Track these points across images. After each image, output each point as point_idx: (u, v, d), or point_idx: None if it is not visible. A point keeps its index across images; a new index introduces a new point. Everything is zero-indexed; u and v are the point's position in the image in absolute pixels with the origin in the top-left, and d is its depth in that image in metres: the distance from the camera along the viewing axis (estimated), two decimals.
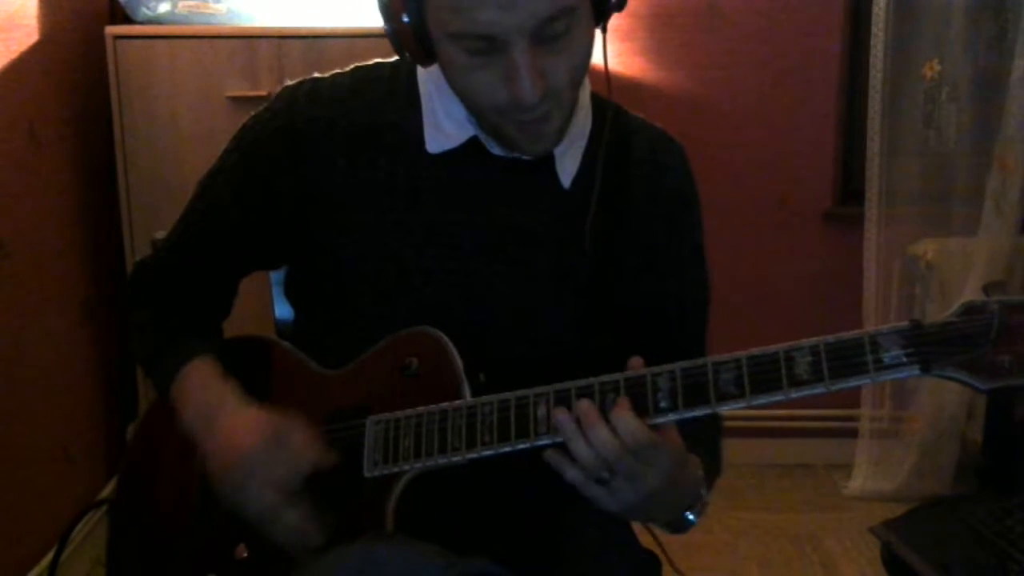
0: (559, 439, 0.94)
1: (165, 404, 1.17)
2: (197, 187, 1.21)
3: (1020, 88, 2.53)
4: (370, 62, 1.17)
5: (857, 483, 2.84)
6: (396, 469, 1.03)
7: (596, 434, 0.91)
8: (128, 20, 2.44)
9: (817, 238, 2.92)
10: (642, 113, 1.21)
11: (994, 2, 2.66)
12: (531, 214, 1.12)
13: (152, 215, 2.42)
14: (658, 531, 1.10)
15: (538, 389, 0.97)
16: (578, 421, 0.92)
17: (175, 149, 2.42)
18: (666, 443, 0.93)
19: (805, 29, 2.81)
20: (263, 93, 2.36)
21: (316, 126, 1.11)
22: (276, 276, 1.38)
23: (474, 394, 1.02)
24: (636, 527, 1.15)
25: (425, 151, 1.11)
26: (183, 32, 2.42)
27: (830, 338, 0.89)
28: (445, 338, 1.06)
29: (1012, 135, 2.56)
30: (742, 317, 2.54)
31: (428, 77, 1.11)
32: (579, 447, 0.92)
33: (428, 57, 1.01)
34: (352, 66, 1.16)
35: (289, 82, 1.16)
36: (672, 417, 0.93)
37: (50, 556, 2.07)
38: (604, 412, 0.92)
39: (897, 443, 2.82)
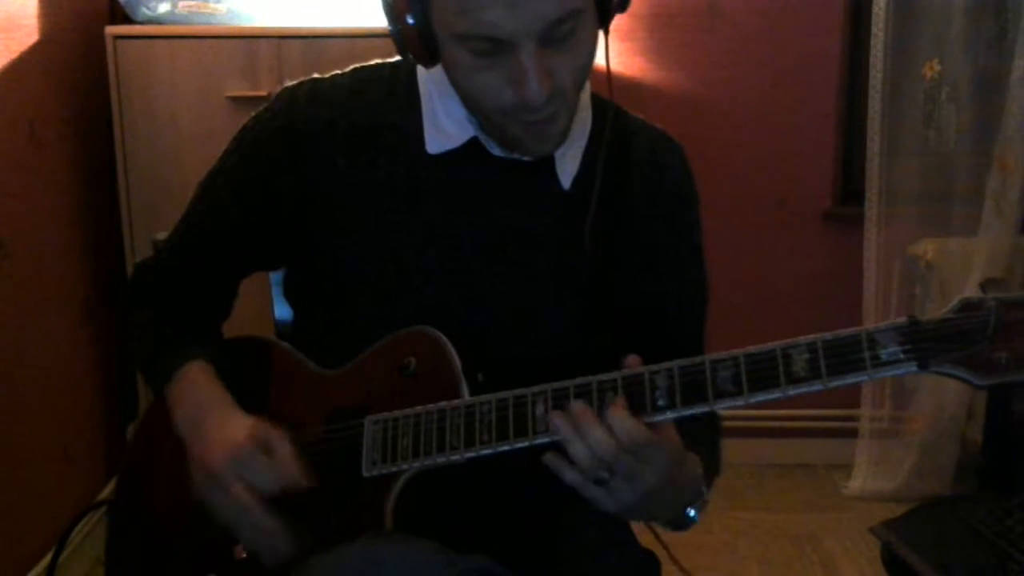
0: (557, 438, 0.94)
1: (161, 402, 1.17)
2: (197, 188, 1.21)
3: (1020, 88, 2.53)
4: (370, 62, 1.17)
5: (857, 483, 2.84)
6: (395, 468, 1.03)
7: (592, 435, 0.91)
8: (128, 20, 2.44)
9: (817, 238, 2.92)
10: (642, 113, 1.21)
11: (994, 2, 2.66)
12: (531, 215, 1.12)
13: (152, 215, 2.42)
14: (660, 529, 1.10)
15: (536, 388, 0.97)
16: (574, 422, 0.92)
17: (175, 149, 2.42)
18: (663, 441, 0.93)
19: (805, 29, 2.81)
20: (263, 93, 2.36)
21: (316, 126, 1.12)
22: (276, 276, 1.38)
23: (472, 394, 1.02)
24: (637, 526, 1.15)
25: (425, 151, 1.11)
26: (183, 32, 2.42)
27: (827, 335, 0.89)
28: (443, 338, 1.06)
29: (1012, 135, 2.56)
30: (742, 317, 2.53)
31: (428, 77, 1.11)
32: (576, 448, 0.92)
33: (432, 58, 1.01)
34: (352, 67, 1.16)
35: (289, 83, 1.16)
36: (670, 415, 0.93)
37: (50, 556, 2.07)
38: (600, 412, 0.92)
39: (897, 443, 2.82)
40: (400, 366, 1.08)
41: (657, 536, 1.15)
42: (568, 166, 1.12)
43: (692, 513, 1.04)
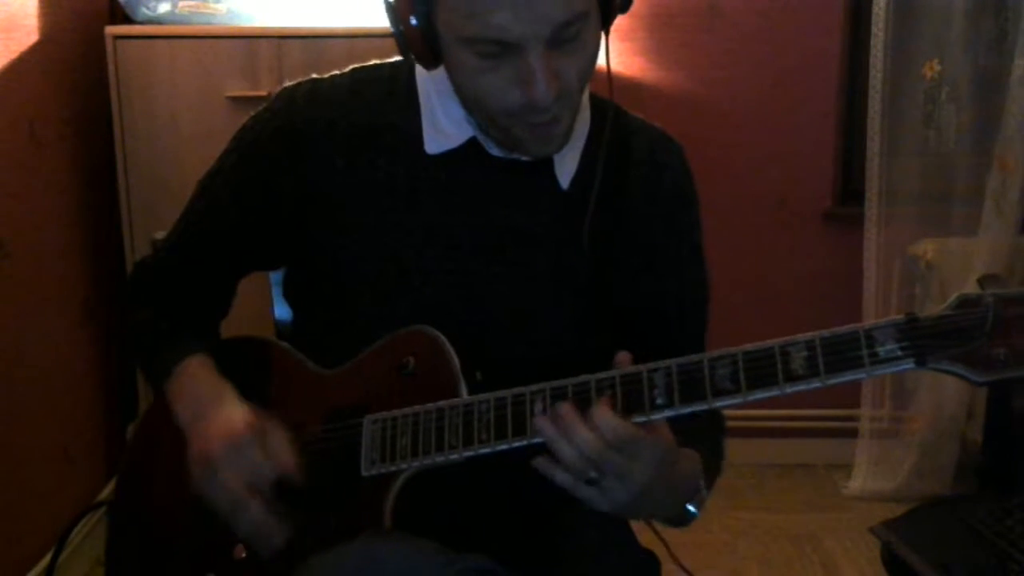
0: (542, 439, 0.94)
1: (160, 401, 1.17)
2: (196, 187, 1.21)
3: (1020, 88, 2.52)
4: (369, 63, 1.17)
5: (857, 483, 2.84)
6: (393, 468, 1.03)
7: (578, 434, 0.91)
8: (128, 20, 2.44)
9: (817, 238, 2.92)
10: (642, 113, 1.21)
11: (994, 2, 2.66)
12: (530, 215, 1.12)
13: (152, 215, 2.42)
14: (660, 528, 1.10)
15: (534, 387, 0.97)
16: (558, 423, 0.92)
17: (175, 149, 2.42)
18: (652, 438, 0.93)
19: (805, 29, 2.81)
20: (263, 93, 2.36)
21: (315, 127, 1.12)
22: (276, 276, 1.38)
23: (471, 393, 1.03)
24: (637, 525, 1.15)
25: (424, 152, 1.11)
26: (183, 32, 2.42)
27: (825, 333, 0.89)
28: (442, 337, 1.06)
29: (1012, 135, 2.56)
30: (742, 317, 2.53)
31: (427, 78, 1.11)
32: (562, 448, 0.92)
33: (435, 60, 1.01)
34: (351, 67, 1.17)
35: (288, 83, 1.16)
36: (668, 413, 0.93)
37: (50, 556, 2.07)
38: (585, 412, 0.92)
39: (897, 443, 2.82)
40: (399, 366, 1.08)
41: (658, 535, 1.15)
42: (567, 166, 1.12)
43: (692, 509, 1.04)
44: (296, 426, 1.10)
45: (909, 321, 0.88)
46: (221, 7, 2.45)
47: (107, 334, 2.54)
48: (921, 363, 0.87)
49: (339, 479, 1.06)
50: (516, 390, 0.98)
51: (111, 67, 2.38)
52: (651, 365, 0.94)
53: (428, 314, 1.08)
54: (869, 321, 0.90)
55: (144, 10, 2.41)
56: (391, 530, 1.02)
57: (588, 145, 1.14)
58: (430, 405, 1.03)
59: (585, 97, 1.14)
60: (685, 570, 1.19)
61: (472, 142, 1.10)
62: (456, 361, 1.05)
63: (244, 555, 1.11)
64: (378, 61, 1.17)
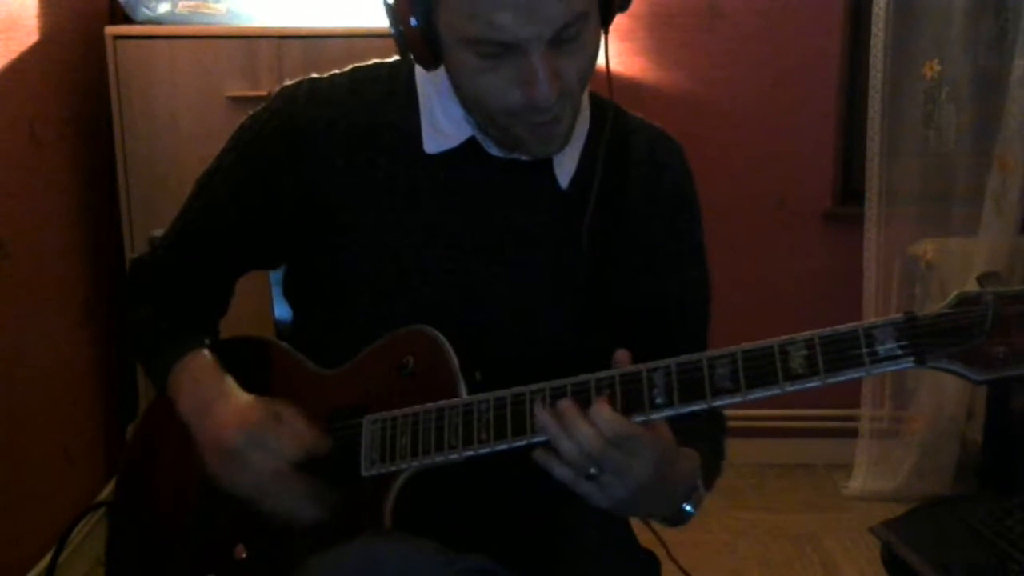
0: (545, 436, 0.94)
1: (162, 398, 1.17)
2: (195, 186, 1.21)
3: (1020, 88, 2.52)
4: (368, 62, 1.17)
5: (857, 483, 2.84)
6: (393, 468, 1.03)
7: (578, 429, 0.91)
8: (128, 20, 2.44)
9: (817, 238, 2.92)
10: (642, 113, 1.21)
11: (994, 2, 2.66)
12: (529, 214, 1.12)
13: (152, 215, 2.41)
14: (659, 528, 1.10)
15: (534, 386, 0.97)
16: (559, 419, 0.92)
17: (175, 149, 2.42)
18: (650, 435, 0.93)
19: (805, 29, 2.81)
20: (263, 93, 2.36)
21: (315, 126, 1.12)
22: (276, 276, 1.38)
23: (470, 393, 1.03)
24: (637, 525, 1.15)
25: (423, 151, 1.11)
26: (183, 32, 2.42)
27: (825, 331, 0.89)
28: (441, 336, 1.06)
29: (1012, 135, 2.56)
30: (742, 317, 2.52)
31: (427, 78, 1.11)
32: (563, 444, 0.92)
33: (435, 60, 1.01)
34: (350, 66, 1.16)
35: (288, 82, 1.16)
36: (668, 413, 0.93)
37: (50, 556, 2.07)
38: (586, 409, 0.92)
39: (897, 443, 2.82)
40: (398, 365, 1.08)
41: (657, 535, 1.15)
42: (566, 166, 1.12)
43: (688, 508, 1.04)
44: None
45: (908, 320, 0.88)
46: (221, 7, 2.45)
47: (107, 334, 2.54)
48: (920, 362, 0.87)
49: (339, 479, 1.06)
50: (516, 390, 0.98)
51: (111, 67, 2.38)
52: (650, 364, 0.94)
53: (427, 313, 1.08)
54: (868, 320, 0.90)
55: (144, 10, 2.41)
56: (391, 530, 1.02)
57: (588, 145, 1.14)
58: (430, 405, 1.03)
59: (585, 97, 1.14)
60: (684, 571, 1.19)
61: (471, 142, 1.10)
62: (455, 361, 1.05)
63: (244, 555, 1.11)
64: (378, 60, 1.17)
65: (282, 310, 1.35)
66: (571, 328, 1.14)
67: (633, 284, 1.16)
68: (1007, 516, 1.69)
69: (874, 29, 2.65)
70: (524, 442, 0.97)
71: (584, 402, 0.93)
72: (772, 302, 2.92)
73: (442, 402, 1.02)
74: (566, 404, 0.93)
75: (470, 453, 0.99)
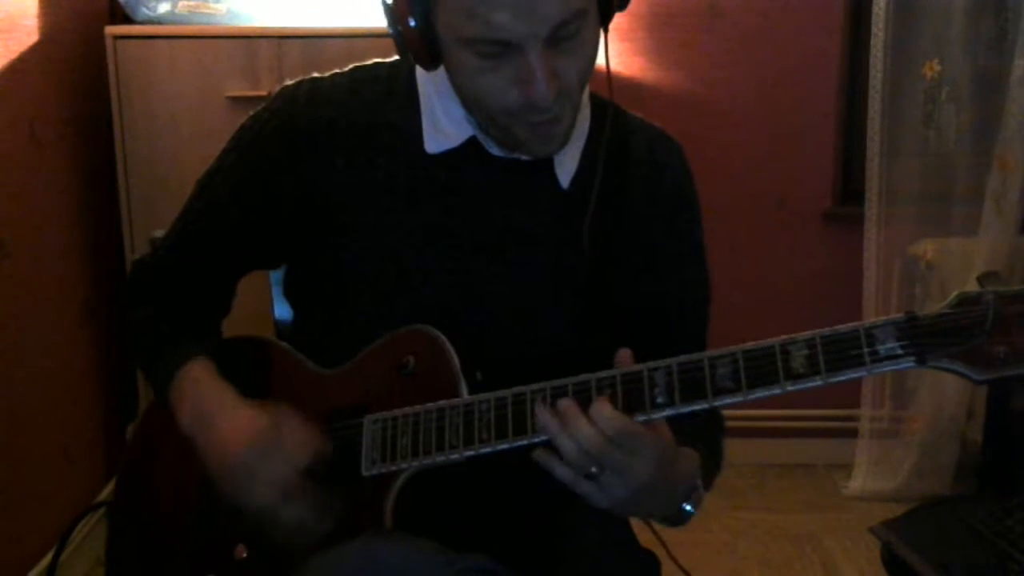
0: (546, 435, 0.94)
1: (162, 406, 1.17)
2: (195, 186, 1.21)
3: (1020, 88, 2.52)
4: (369, 62, 1.17)
5: (857, 483, 2.84)
6: (394, 468, 1.03)
7: (578, 428, 0.91)
8: (128, 20, 2.44)
9: (817, 238, 2.92)
10: (642, 113, 1.21)
11: (994, 2, 2.66)
12: (530, 214, 1.12)
13: (152, 215, 2.42)
14: (659, 527, 1.10)
15: (535, 386, 0.97)
16: (560, 418, 0.92)
17: (175, 149, 2.42)
18: (650, 434, 0.93)
19: (805, 29, 2.81)
20: (263, 93, 2.36)
21: (315, 126, 1.11)
22: (276, 276, 1.38)
23: (471, 392, 1.03)
24: (637, 525, 1.15)
25: (424, 151, 1.11)
26: (183, 32, 2.42)
27: (826, 331, 0.89)
28: (442, 336, 1.06)
29: (1012, 135, 2.56)
30: (742, 317, 2.52)
31: (427, 77, 1.11)
32: (563, 443, 0.92)
33: (434, 60, 1.01)
34: (351, 66, 1.16)
35: (288, 82, 1.16)
36: (669, 412, 0.93)
37: (50, 556, 2.07)
38: (587, 408, 0.92)
39: (897, 443, 2.82)
40: (399, 365, 1.08)
41: (657, 535, 1.15)
42: (567, 165, 1.12)
43: (688, 508, 1.04)
44: None
45: (909, 319, 0.88)
46: (221, 7, 2.45)
47: (107, 334, 2.54)
48: (921, 361, 0.87)
49: (340, 479, 1.06)
50: (516, 389, 0.98)
51: (111, 67, 2.38)
52: (651, 364, 0.94)
53: (428, 313, 1.08)
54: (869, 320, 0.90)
55: (144, 10, 2.41)
56: (391, 530, 1.02)
57: (588, 144, 1.14)
58: (430, 405, 1.03)
59: (585, 96, 1.14)
60: (684, 571, 1.19)
61: (472, 141, 1.10)
62: (456, 361, 1.05)
63: (244, 555, 1.11)
64: (378, 60, 1.17)
65: (282, 310, 1.35)
66: (572, 328, 1.14)
67: (633, 284, 1.16)
68: (1007, 516, 1.69)
69: (874, 29, 2.65)
70: (525, 442, 0.97)
71: (585, 402, 0.93)
72: (772, 302, 2.92)
73: (443, 402, 1.02)
74: (567, 403, 0.93)
75: (471, 453, 0.99)
